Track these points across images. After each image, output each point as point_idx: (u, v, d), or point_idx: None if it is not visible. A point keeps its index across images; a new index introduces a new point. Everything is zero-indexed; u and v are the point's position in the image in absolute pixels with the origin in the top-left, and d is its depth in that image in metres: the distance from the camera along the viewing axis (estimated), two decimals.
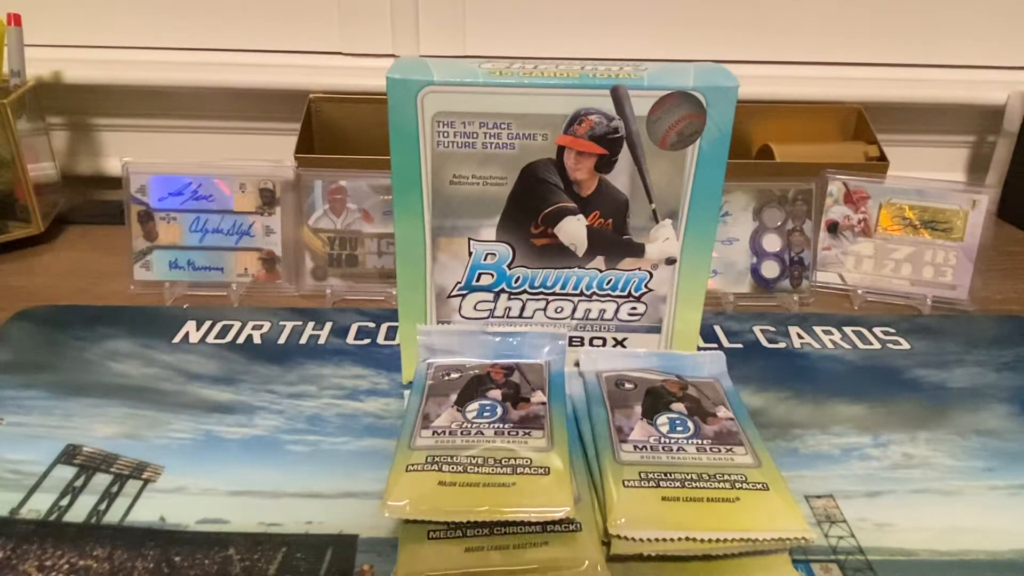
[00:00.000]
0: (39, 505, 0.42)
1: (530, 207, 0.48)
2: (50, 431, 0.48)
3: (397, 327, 0.55)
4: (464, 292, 0.51)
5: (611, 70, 0.46)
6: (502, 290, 0.51)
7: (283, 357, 0.57)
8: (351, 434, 0.49)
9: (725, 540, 0.37)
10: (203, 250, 0.67)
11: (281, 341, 0.59)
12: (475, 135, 0.46)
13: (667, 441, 0.43)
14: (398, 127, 0.46)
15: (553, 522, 0.38)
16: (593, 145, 0.46)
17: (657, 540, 0.37)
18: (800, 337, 0.62)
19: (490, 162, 0.47)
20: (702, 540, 0.37)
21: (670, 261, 0.50)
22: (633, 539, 0.37)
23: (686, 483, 0.40)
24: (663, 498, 0.39)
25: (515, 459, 0.40)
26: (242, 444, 0.48)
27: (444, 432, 0.42)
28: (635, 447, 0.42)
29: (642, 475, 0.40)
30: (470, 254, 0.49)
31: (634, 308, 0.51)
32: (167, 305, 0.65)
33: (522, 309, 0.51)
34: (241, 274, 0.67)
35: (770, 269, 0.67)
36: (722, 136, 0.46)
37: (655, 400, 0.46)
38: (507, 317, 0.51)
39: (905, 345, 0.61)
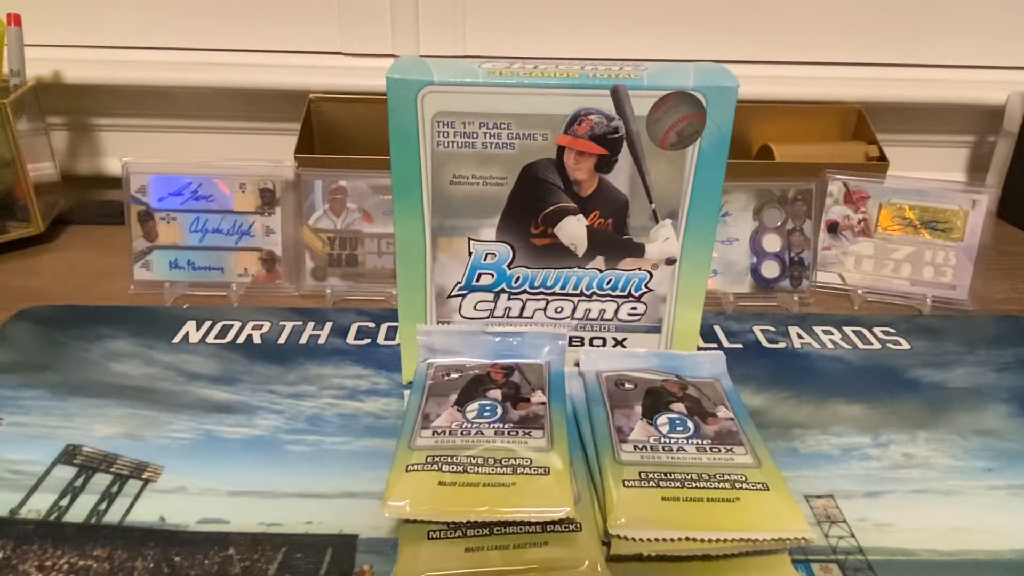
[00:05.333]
0: (39, 505, 0.42)
1: (530, 207, 0.48)
2: (50, 431, 0.48)
3: (397, 327, 0.55)
4: (464, 292, 0.51)
5: (611, 70, 0.46)
6: (502, 290, 0.51)
7: (283, 357, 0.57)
8: (351, 434, 0.49)
9: (725, 540, 0.37)
10: (203, 250, 0.67)
11: (281, 341, 0.59)
12: (475, 135, 0.46)
13: (667, 441, 0.43)
14: (398, 127, 0.46)
15: (553, 522, 0.38)
16: (593, 145, 0.46)
17: (657, 540, 0.37)
18: (800, 337, 0.62)
19: (490, 162, 0.47)
20: (702, 540, 0.37)
21: (670, 261, 0.50)
22: (633, 539, 0.37)
23: (686, 483, 0.40)
24: (663, 498, 0.39)
25: (515, 459, 0.40)
26: (242, 444, 0.48)
27: (444, 432, 0.42)
28: (635, 447, 0.42)
29: (642, 475, 0.40)
30: (470, 254, 0.49)
31: (634, 308, 0.51)
32: (167, 305, 0.65)
33: (522, 309, 0.51)
34: (241, 274, 0.67)
35: (770, 269, 0.67)
36: (722, 136, 0.46)
37: (655, 400, 0.46)
38: (507, 317, 0.51)
39: (905, 345, 0.61)
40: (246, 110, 0.90)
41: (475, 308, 0.51)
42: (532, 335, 0.51)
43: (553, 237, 0.49)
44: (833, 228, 0.70)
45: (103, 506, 0.42)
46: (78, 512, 0.42)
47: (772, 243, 0.67)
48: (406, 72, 0.45)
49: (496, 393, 0.46)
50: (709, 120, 0.46)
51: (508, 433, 0.42)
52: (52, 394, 0.52)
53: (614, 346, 0.53)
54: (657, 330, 0.52)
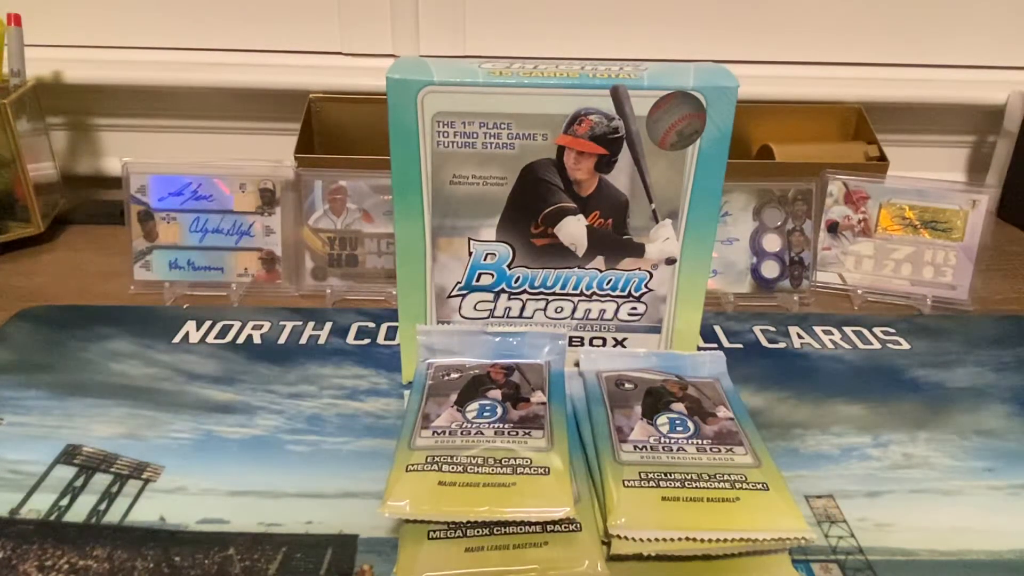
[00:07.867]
0: (39, 505, 0.42)
1: (530, 207, 0.48)
2: (50, 431, 0.48)
3: (397, 327, 0.55)
4: (464, 292, 0.51)
5: (611, 70, 0.46)
6: (502, 290, 0.51)
7: (283, 357, 0.57)
8: (351, 434, 0.49)
9: (725, 540, 0.37)
10: (203, 250, 0.67)
11: (281, 341, 0.59)
12: (475, 135, 0.46)
13: (667, 441, 0.43)
14: (398, 127, 0.46)
15: (553, 522, 0.38)
16: (593, 145, 0.46)
17: (657, 540, 0.37)
18: (800, 337, 0.62)
19: (490, 162, 0.47)
20: (702, 540, 0.37)
21: (670, 261, 0.50)
22: (633, 539, 0.37)
23: (686, 483, 0.40)
24: (663, 498, 0.39)
25: (515, 459, 0.40)
26: (242, 444, 0.48)
27: (444, 432, 0.42)
28: (635, 447, 0.42)
29: (642, 475, 0.40)
30: (470, 254, 0.49)
31: (634, 308, 0.51)
32: (167, 305, 0.65)
33: (522, 309, 0.51)
34: (241, 274, 0.67)
35: (770, 269, 0.67)
36: (722, 136, 0.46)
37: (655, 400, 0.46)
38: (507, 317, 0.51)
39: (905, 345, 0.61)
40: (246, 110, 0.90)
41: (475, 308, 0.51)
42: (532, 335, 0.51)
43: (553, 237, 0.49)
44: (833, 228, 0.70)
45: (103, 506, 0.42)
46: (78, 512, 0.42)
47: (772, 243, 0.67)
48: (406, 72, 0.45)
49: (496, 393, 0.46)
50: (709, 120, 0.46)
51: (508, 433, 0.42)
52: (52, 394, 0.52)
53: (614, 346, 0.53)
54: (657, 330, 0.52)
